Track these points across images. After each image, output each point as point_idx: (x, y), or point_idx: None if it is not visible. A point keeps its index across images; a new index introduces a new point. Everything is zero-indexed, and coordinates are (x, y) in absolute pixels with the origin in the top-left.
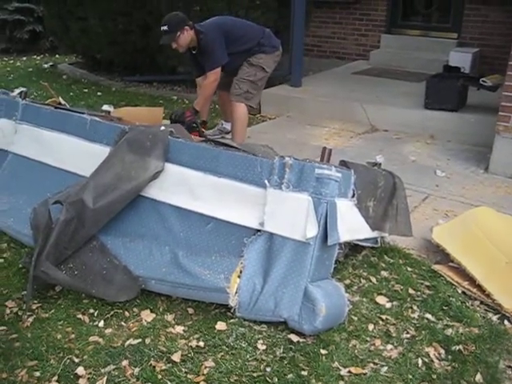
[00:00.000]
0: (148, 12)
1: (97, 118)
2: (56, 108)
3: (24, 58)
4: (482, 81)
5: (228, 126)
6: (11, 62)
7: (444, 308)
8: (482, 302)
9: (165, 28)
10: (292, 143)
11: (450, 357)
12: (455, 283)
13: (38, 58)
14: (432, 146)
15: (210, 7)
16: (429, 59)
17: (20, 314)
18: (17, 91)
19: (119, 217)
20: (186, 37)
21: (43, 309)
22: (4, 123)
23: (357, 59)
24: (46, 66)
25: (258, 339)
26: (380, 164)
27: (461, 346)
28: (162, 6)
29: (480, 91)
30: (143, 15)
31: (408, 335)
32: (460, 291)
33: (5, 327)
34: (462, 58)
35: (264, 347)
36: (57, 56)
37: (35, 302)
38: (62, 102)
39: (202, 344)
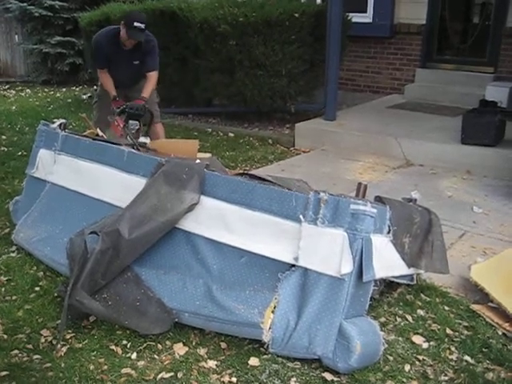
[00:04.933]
0: (185, 46)
1: (134, 150)
2: (94, 139)
3: (64, 89)
4: None
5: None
6: (51, 92)
7: (484, 350)
8: None
9: (143, 26)
10: (326, 177)
11: None
12: (495, 324)
13: (77, 89)
14: (469, 181)
15: (246, 42)
16: (464, 93)
17: (54, 343)
18: (57, 123)
19: (154, 248)
20: None
21: (77, 339)
22: (44, 154)
23: (391, 93)
24: (84, 97)
25: (292, 377)
26: (416, 200)
27: None
28: (198, 41)
29: None
30: (180, 49)
31: (446, 377)
32: (500, 333)
33: (39, 356)
34: (498, 93)
35: None
36: (95, 87)
37: (69, 331)
38: (100, 133)
39: (234, 380)
